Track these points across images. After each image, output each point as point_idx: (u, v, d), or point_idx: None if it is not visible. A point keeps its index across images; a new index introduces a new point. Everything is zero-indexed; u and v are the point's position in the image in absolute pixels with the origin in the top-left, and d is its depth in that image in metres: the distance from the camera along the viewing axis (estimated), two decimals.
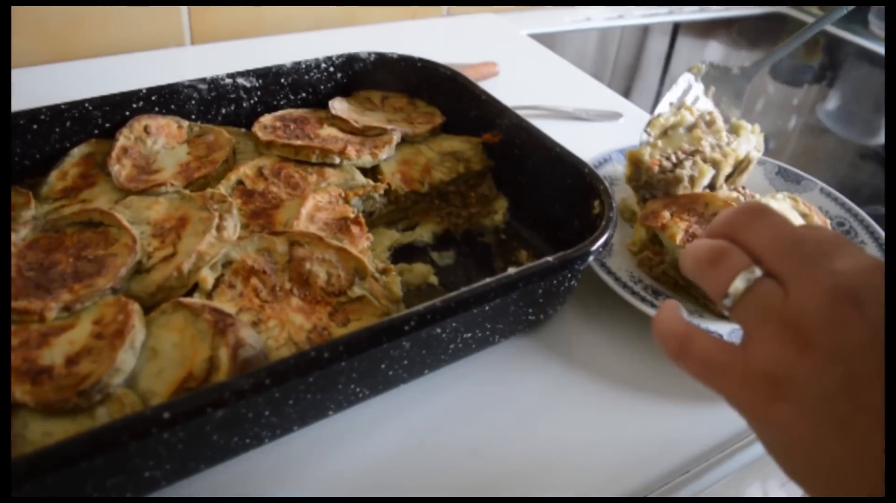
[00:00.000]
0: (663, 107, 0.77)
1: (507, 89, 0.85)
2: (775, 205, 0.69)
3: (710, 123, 0.73)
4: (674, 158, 0.69)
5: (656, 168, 0.68)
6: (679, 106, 0.76)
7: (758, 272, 0.36)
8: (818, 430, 0.32)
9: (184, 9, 0.99)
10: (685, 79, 0.79)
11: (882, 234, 0.69)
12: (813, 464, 0.33)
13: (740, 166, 0.71)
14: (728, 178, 0.70)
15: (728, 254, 0.37)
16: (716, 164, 0.68)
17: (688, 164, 0.68)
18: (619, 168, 0.77)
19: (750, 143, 0.71)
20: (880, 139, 1.35)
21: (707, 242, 0.38)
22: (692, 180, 0.67)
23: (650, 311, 0.58)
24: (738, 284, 0.36)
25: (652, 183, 0.68)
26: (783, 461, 0.35)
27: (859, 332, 0.32)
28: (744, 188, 0.71)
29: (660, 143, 0.70)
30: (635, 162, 0.70)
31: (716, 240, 0.38)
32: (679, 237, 0.61)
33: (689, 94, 0.79)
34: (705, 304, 0.62)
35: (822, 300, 0.33)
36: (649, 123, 0.72)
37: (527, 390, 0.55)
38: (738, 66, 0.81)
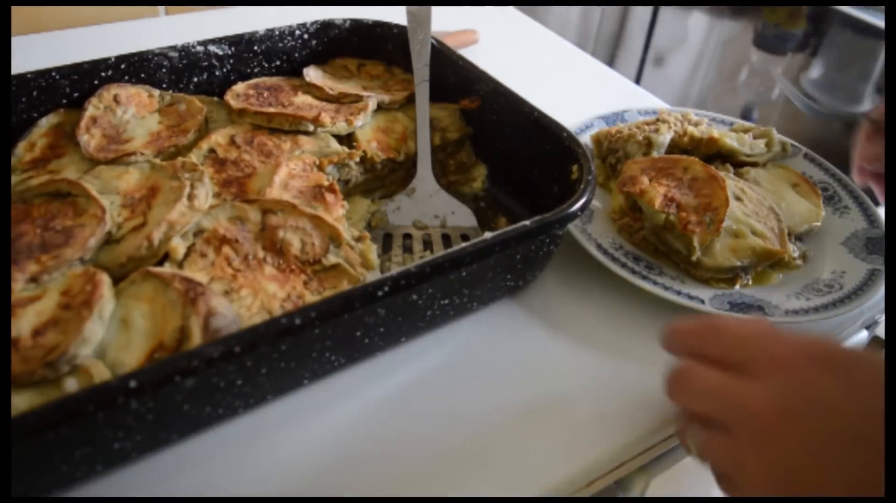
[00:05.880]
0: None
1: (486, 58, 0.84)
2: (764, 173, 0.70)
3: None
4: (632, 127, 0.72)
5: (613, 135, 0.71)
6: None
7: None
8: None
9: None
10: None
11: (865, 198, 0.69)
12: None
13: (733, 157, 0.72)
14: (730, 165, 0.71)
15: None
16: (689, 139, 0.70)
17: (648, 127, 0.69)
18: None
19: (756, 146, 0.72)
20: (864, 107, 1.35)
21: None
22: (648, 140, 0.67)
23: (631, 278, 0.58)
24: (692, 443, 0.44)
25: (612, 146, 0.71)
26: None
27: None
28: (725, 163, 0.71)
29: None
30: (596, 138, 0.73)
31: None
32: (658, 202, 0.60)
33: None
34: (686, 270, 0.61)
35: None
36: None
37: (507, 357, 0.54)
38: None
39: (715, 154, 0.71)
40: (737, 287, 0.60)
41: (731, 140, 0.70)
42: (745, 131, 0.74)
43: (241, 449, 0.47)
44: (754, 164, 0.71)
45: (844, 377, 0.40)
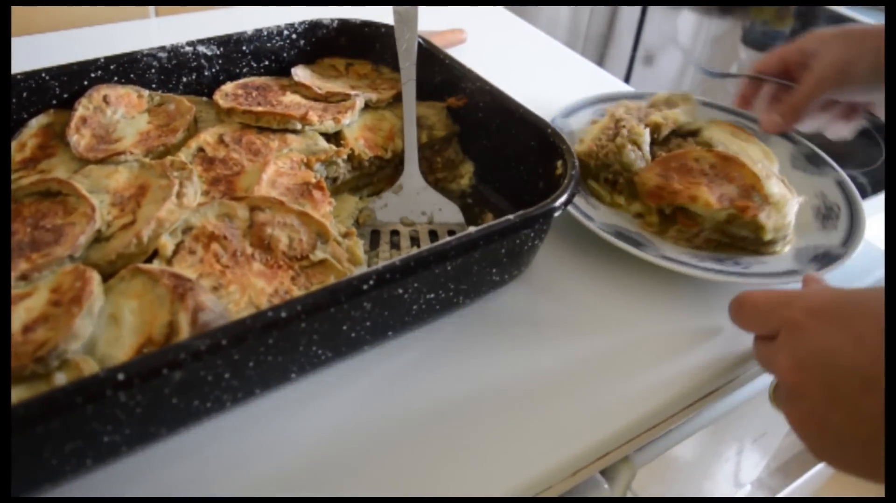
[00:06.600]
0: None
1: (474, 57, 0.85)
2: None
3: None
4: (607, 132, 0.71)
5: (594, 150, 0.70)
6: None
7: None
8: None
9: None
10: None
11: (863, 228, 0.67)
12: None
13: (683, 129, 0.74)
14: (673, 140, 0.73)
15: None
16: (653, 126, 0.71)
17: (623, 131, 0.69)
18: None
19: (689, 113, 0.75)
20: None
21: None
22: (634, 142, 0.68)
23: (742, 280, 0.59)
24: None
25: (602, 162, 0.69)
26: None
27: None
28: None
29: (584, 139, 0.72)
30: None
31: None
32: (714, 201, 0.62)
33: None
34: (756, 250, 0.64)
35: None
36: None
37: (493, 348, 0.55)
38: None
39: (670, 133, 0.73)
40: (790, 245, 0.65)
41: (682, 115, 0.73)
42: (666, 102, 0.76)
43: (229, 443, 0.47)
44: (698, 131, 0.74)
45: (842, 326, 0.43)
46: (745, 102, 0.81)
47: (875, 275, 0.66)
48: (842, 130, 0.76)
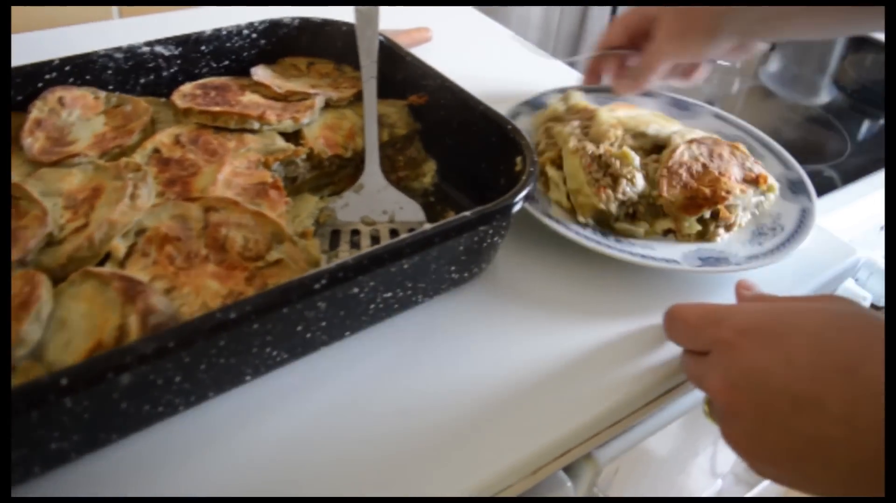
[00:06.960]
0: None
1: (440, 56, 0.84)
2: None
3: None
4: (594, 170, 0.66)
5: (609, 193, 0.64)
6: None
7: None
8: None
9: None
10: None
11: (778, 147, 0.75)
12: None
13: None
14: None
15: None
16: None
17: (617, 163, 0.65)
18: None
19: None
20: (823, 99, 1.37)
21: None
22: (633, 166, 0.66)
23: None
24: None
25: (620, 201, 0.65)
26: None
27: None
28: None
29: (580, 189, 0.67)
30: (595, 213, 0.65)
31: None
32: (742, 186, 0.64)
33: None
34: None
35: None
36: None
37: (452, 347, 0.55)
38: None
39: None
40: None
41: (609, 115, 0.72)
42: (570, 110, 0.75)
43: (183, 447, 0.46)
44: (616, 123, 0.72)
45: (772, 345, 0.44)
46: (595, 77, 0.83)
47: (838, 267, 0.66)
48: (688, 82, 0.80)
